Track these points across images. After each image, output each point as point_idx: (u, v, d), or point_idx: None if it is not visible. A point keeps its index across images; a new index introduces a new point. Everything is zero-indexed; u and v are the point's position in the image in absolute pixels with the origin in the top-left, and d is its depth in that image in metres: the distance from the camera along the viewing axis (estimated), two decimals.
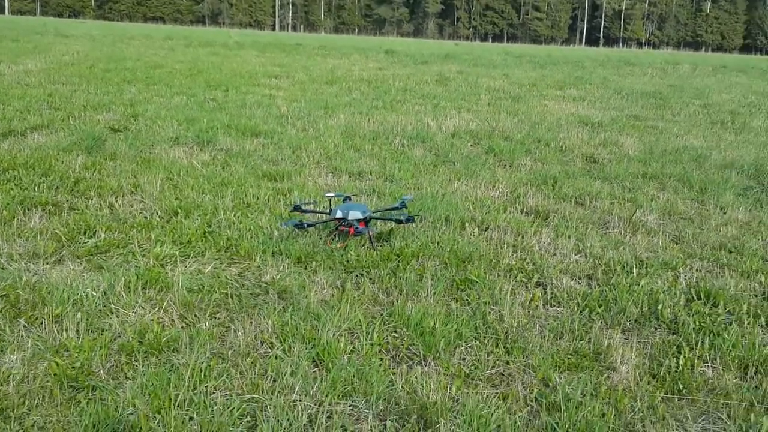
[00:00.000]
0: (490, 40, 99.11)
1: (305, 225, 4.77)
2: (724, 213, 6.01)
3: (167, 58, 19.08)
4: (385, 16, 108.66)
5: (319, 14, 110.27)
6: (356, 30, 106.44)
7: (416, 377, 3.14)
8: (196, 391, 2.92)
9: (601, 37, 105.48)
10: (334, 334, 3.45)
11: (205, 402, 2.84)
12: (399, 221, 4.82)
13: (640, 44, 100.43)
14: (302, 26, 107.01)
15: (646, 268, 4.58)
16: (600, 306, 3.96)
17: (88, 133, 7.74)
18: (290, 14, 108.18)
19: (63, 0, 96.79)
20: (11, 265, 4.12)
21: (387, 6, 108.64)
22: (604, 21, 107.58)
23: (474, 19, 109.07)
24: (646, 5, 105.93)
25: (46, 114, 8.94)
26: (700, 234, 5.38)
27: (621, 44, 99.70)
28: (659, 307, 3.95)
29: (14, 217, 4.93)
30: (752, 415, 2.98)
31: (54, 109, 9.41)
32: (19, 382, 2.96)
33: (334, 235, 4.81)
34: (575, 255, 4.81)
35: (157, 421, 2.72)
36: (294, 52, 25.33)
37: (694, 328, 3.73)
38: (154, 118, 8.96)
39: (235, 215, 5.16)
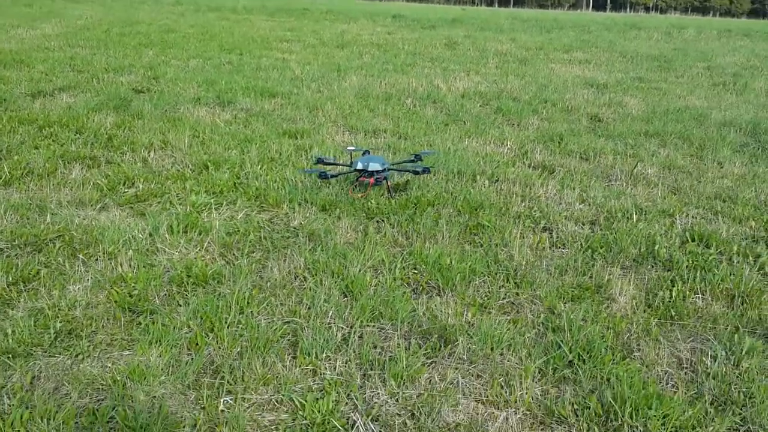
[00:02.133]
0: (496, 5, 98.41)
1: (329, 176, 5.13)
2: (721, 167, 6.35)
3: (179, 22, 19.31)
4: None
5: None
6: None
7: (436, 305, 3.52)
8: (242, 315, 3.31)
9: (608, 1, 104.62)
10: (360, 270, 3.83)
11: (251, 323, 3.23)
12: (416, 172, 5.19)
13: (647, 9, 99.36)
14: None
15: (645, 214, 4.95)
16: (601, 247, 4.33)
17: (114, 93, 8.10)
18: None
19: None
20: (61, 211, 4.51)
21: None
22: None
23: None
24: None
25: (71, 76, 9.29)
26: (697, 186, 5.73)
27: (628, 9, 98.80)
28: (656, 247, 4.32)
29: (56, 169, 5.30)
30: (736, 336, 3.36)
31: (77, 71, 9.75)
32: (84, 307, 3.35)
33: (355, 186, 5.17)
34: (579, 204, 5.16)
35: (211, 338, 3.12)
36: (302, 17, 25.48)
37: (687, 266, 4.11)
38: (175, 80, 9.31)
39: (261, 168, 5.52)
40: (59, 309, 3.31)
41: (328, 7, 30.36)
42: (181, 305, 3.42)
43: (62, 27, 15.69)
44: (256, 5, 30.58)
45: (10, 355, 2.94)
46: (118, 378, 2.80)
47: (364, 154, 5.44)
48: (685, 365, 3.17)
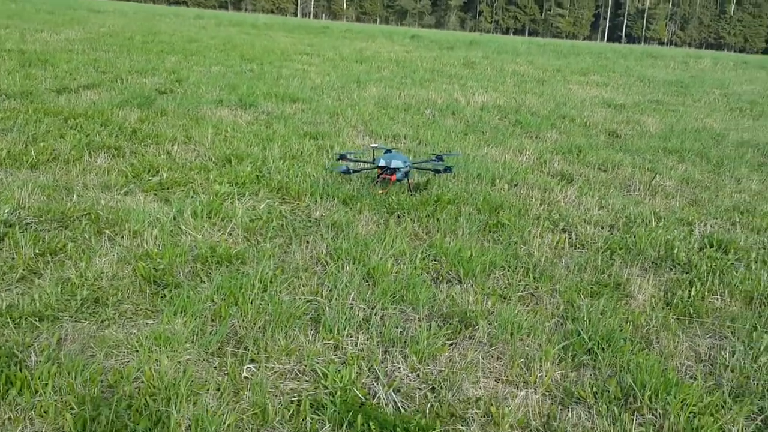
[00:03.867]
0: (512, 34, 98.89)
1: (351, 171, 5.19)
2: (739, 183, 6.38)
3: (200, 34, 19.53)
4: (407, 7, 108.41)
5: (341, 3, 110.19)
6: (378, 20, 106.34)
7: (456, 293, 3.55)
8: (265, 292, 3.35)
9: (623, 35, 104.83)
10: (381, 258, 3.87)
11: (274, 299, 3.27)
12: (437, 171, 5.23)
13: (661, 44, 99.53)
14: (324, 15, 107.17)
15: (663, 221, 4.97)
16: (621, 248, 4.36)
17: (138, 92, 8.21)
18: (312, 2, 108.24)
19: None
20: (87, 193, 4.57)
21: None
22: (627, 20, 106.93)
23: (496, 14, 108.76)
24: (670, 5, 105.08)
25: (94, 75, 9.41)
26: (715, 198, 5.76)
27: (643, 43, 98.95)
28: (675, 251, 4.34)
29: (82, 156, 5.38)
30: (754, 333, 3.38)
31: (101, 72, 9.87)
32: (110, 278, 3.40)
33: (377, 182, 5.22)
34: (598, 209, 5.19)
35: (234, 311, 3.16)
36: (321, 35, 25.72)
37: (705, 269, 4.13)
38: (197, 84, 9.43)
39: (283, 164, 5.58)
40: (85, 279, 3.36)
41: (347, 27, 30.63)
42: (204, 281, 3.47)
43: (85, 33, 15.89)
44: (276, 22, 30.91)
45: (37, 318, 2.98)
46: (144, 343, 2.84)
47: (386, 152, 5.49)
48: (703, 358, 3.19)
